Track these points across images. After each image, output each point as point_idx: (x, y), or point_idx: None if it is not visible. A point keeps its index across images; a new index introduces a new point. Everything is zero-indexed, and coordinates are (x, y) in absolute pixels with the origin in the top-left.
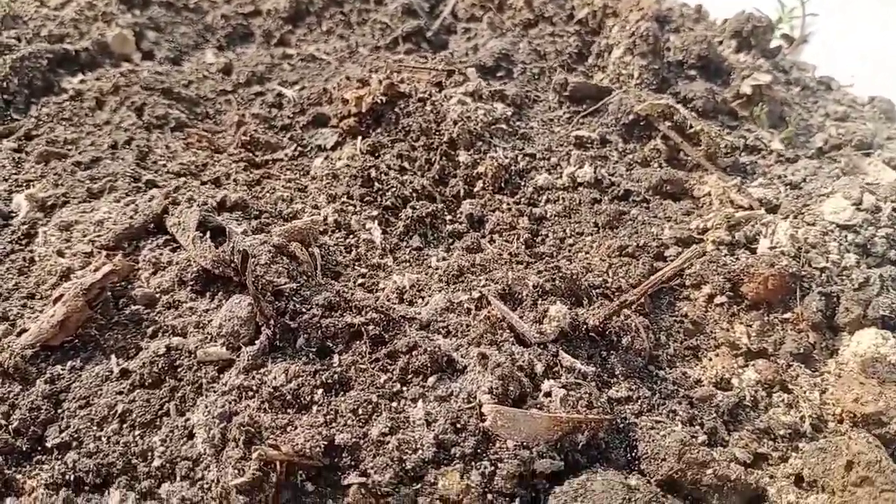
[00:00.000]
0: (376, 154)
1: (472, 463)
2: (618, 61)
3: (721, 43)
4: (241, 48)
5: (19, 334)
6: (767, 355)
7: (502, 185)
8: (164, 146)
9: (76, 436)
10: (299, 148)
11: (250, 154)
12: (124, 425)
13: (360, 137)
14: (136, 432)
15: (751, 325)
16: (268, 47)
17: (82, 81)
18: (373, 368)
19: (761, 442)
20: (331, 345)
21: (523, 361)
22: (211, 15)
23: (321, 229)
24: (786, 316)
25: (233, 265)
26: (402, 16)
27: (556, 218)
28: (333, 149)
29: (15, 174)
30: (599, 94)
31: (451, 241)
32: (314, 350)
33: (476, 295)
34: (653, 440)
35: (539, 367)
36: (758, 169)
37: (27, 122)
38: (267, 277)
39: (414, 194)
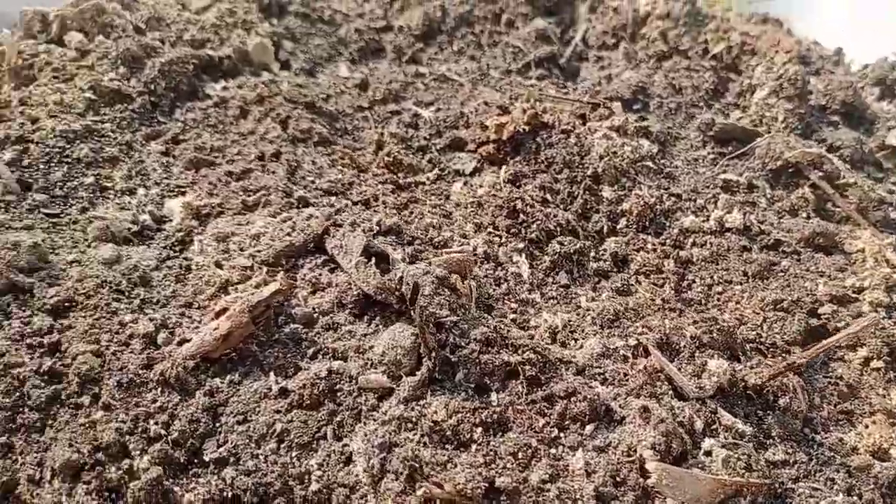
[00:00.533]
0: (518, 184)
1: None
2: (761, 102)
3: (863, 89)
4: (373, 63)
5: (180, 343)
6: None
7: (647, 223)
8: (310, 161)
9: (234, 452)
10: (438, 171)
11: (394, 175)
12: (282, 445)
13: (499, 165)
14: (294, 453)
15: None
16: (399, 64)
17: (225, 88)
18: (530, 411)
19: None
20: (488, 382)
21: (683, 417)
22: (344, 28)
23: (474, 271)
24: None
25: (397, 293)
26: (535, 41)
27: (704, 263)
28: (472, 174)
29: (166, 179)
30: (746, 137)
31: (596, 279)
32: (472, 386)
33: (633, 342)
34: None
35: (699, 424)
36: None
37: (174, 126)
38: (430, 309)
39: (558, 228)
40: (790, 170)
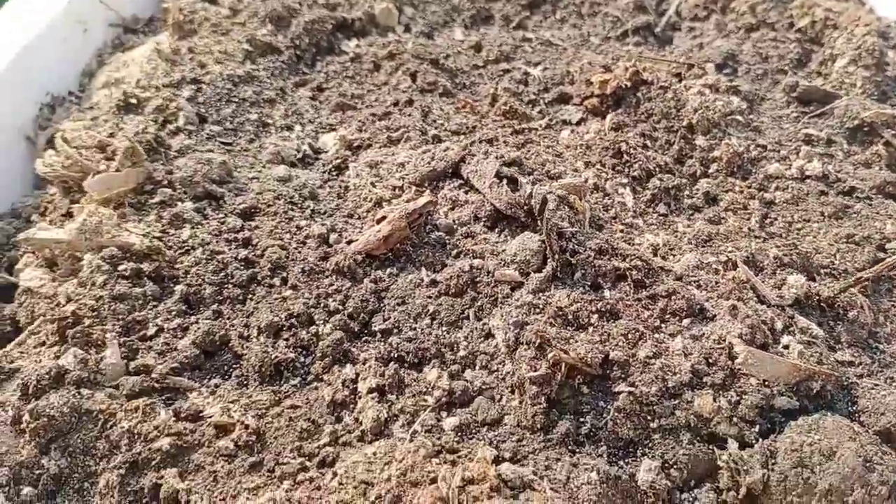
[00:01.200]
0: (620, 131)
1: (721, 391)
2: (841, 70)
3: None
4: (484, 28)
5: (348, 243)
6: None
7: (735, 169)
8: (438, 108)
9: (396, 325)
10: (548, 120)
11: (510, 122)
12: (434, 322)
13: (603, 117)
14: (444, 328)
15: None
16: (507, 30)
17: (358, 46)
18: (637, 305)
19: None
20: (601, 282)
21: (766, 318)
22: None
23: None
24: None
25: (525, 207)
26: (633, 11)
27: (785, 204)
28: (578, 124)
29: (318, 118)
30: (826, 99)
31: (690, 212)
32: (588, 283)
33: (723, 259)
34: (874, 397)
35: (779, 325)
36: None
37: (318, 77)
38: (553, 220)
39: (657, 168)
40: (865, 129)
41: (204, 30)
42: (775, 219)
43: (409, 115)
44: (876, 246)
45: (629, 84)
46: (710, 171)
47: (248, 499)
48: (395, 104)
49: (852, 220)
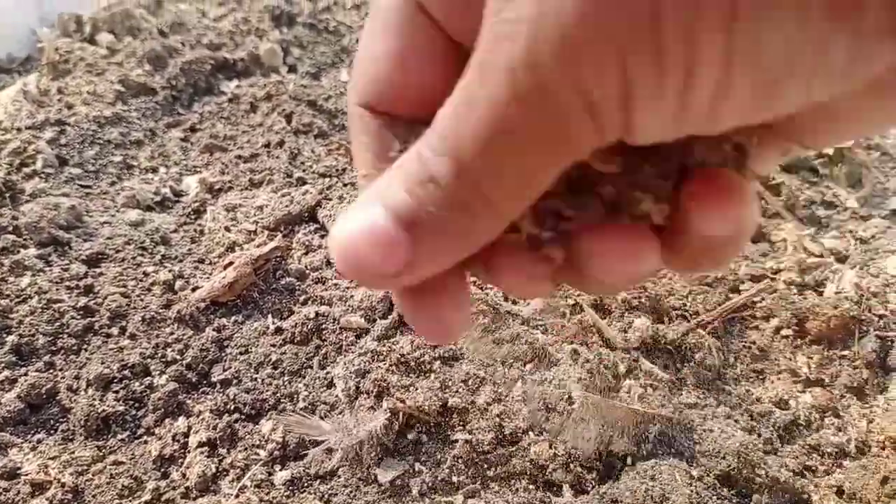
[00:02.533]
0: None
1: (559, 437)
2: None
3: None
4: None
5: (193, 290)
6: (824, 385)
7: None
8: (309, 150)
9: (237, 375)
10: None
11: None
12: (276, 371)
13: None
14: (286, 378)
15: (811, 358)
16: None
17: (238, 87)
18: (483, 350)
19: (810, 456)
20: None
21: (609, 361)
22: (347, 38)
23: None
24: (844, 353)
25: None
26: None
27: None
28: None
29: (184, 160)
30: None
31: None
32: None
33: (571, 302)
34: (715, 440)
35: (622, 368)
36: (832, 223)
37: (192, 117)
38: None
39: None
40: None
41: (78, 70)
42: None
43: (277, 157)
44: (729, 288)
45: None
46: None
47: None
48: (266, 146)
49: None
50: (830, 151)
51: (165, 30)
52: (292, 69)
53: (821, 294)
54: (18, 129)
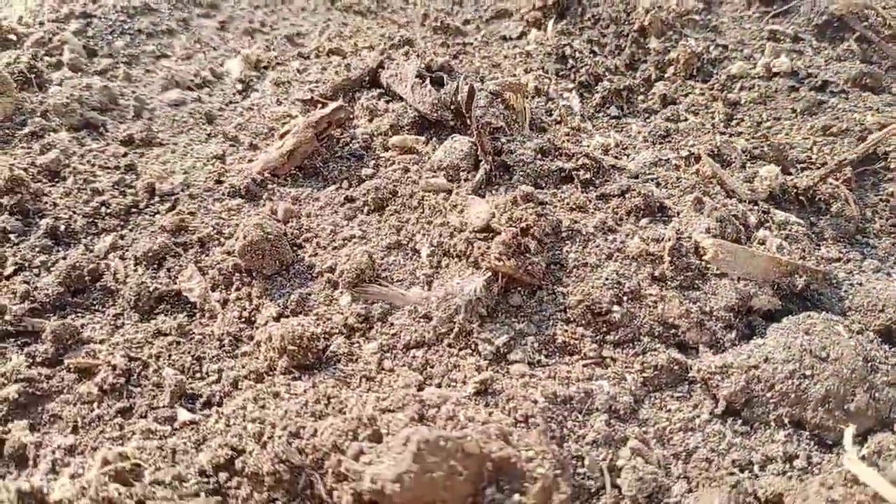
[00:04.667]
0: (567, 38)
1: (688, 292)
2: None
3: None
4: None
5: (249, 162)
6: None
7: (694, 72)
8: (359, 26)
9: (302, 245)
10: (485, 37)
11: (442, 37)
12: (349, 241)
13: (545, 28)
14: (361, 247)
15: None
16: None
17: None
18: (587, 206)
19: None
20: (542, 184)
21: (737, 211)
22: None
23: (527, 95)
24: None
25: (452, 107)
26: None
27: (752, 104)
28: (519, 38)
29: (223, 45)
30: None
31: (647, 115)
32: (529, 186)
33: (684, 154)
34: (869, 293)
35: (752, 219)
36: None
37: (226, 6)
38: (485, 119)
39: (607, 72)
40: (835, 24)
41: None
42: (742, 119)
43: (324, 33)
44: (857, 138)
45: None
46: (667, 74)
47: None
48: (313, 26)
49: (828, 114)
50: None
51: None
52: None
53: None
54: (41, 23)
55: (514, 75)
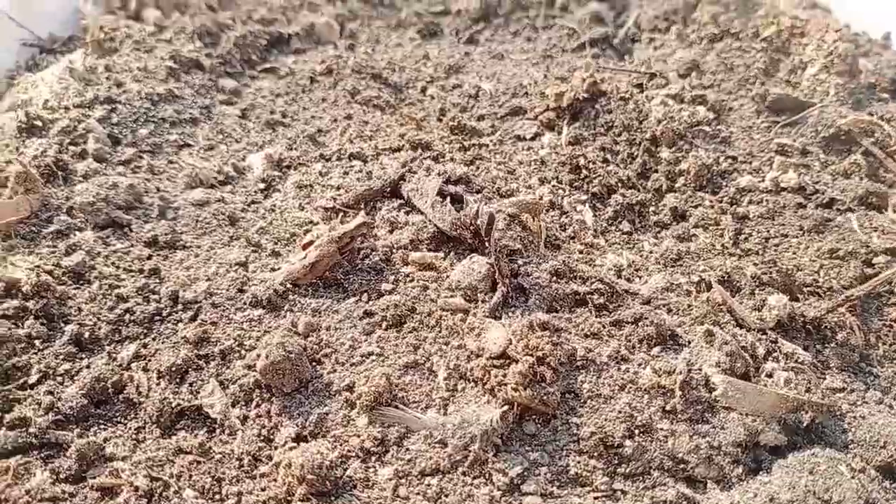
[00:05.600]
0: (578, 145)
1: (698, 426)
2: (813, 78)
3: None
4: (432, 43)
5: (272, 270)
6: None
7: (704, 183)
8: (378, 124)
9: (321, 362)
10: (499, 136)
11: (458, 138)
12: (367, 359)
13: (559, 131)
14: (378, 365)
15: None
16: (457, 44)
17: (294, 62)
18: (601, 333)
19: None
20: (557, 307)
21: (746, 343)
22: (405, 11)
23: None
24: None
25: (471, 228)
26: (590, 23)
27: (760, 219)
28: (532, 139)
29: (245, 137)
30: (799, 107)
31: (657, 230)
32: (544, 310)
33: (695, 279)
34: (872, 427)
35: (760, 350)
36: None
37: (248, 94)
38: (503, 242)
39: (619, 184)
40: (842, 137)
41: (126, 48)
42: (750, 234)
43: (346, 132)
44: (862, 261)
45: (587, 95)
46: (677, 185)
47: None
48: (333, 121)
49: (834, 233)
50: None
51: (214, 5)
52: (350, 47)
53: None
54: (66, 108)
55: (529, 187)
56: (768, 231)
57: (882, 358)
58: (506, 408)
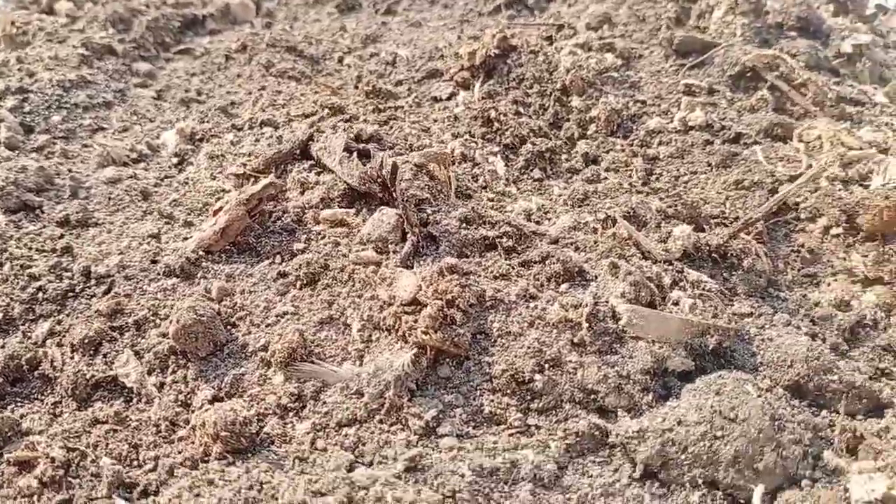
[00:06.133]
0: (492, 100)
1: (606, 357)
2: (720, 21)
3: (818, 7)
4: (350, 17)
5: (184, 240)
6: (884, 283)
7: (615, 128)
8: (292, 93)
9: (236, 325)
10: (416, 99)
11: (374, 102)
12: (283, 318)
13: (474, 87)
14: (293, 323)
15: (867, 255)
16: (375, 16)
17: (210, 42)
18: (510, 274)
19: (883, 358)
20: (468, 253)
21: (651, 273)
22: None
23: (452, 163)
24: None
25: (379, 180)
26: None
27: (670, 158)
28: (448, 99)
29: (159, 116)
30: (705, 48)
31: (569, 175)
32: (454, 256)
33: (602, 216)
34: (779, 348)
35: (666, 280)
36: (864, 118)
37: (162, 76)
38: (410, 191)
39: (531, 134)
40: (748, 74)
41: (38, 40)
42: (661, 175)
43: (259, 103)
44: (768, 190)
45: (498, 51)
46: (589, 132)
47: None
48: (248, 94)
49: (741, 166)
50: (849, 49)
51: None
52: (267, 25)
53: (867, 187)
54: None
55: (442, 142)
56: (678, 170)
57: (791, 283)
58: (417, 351)
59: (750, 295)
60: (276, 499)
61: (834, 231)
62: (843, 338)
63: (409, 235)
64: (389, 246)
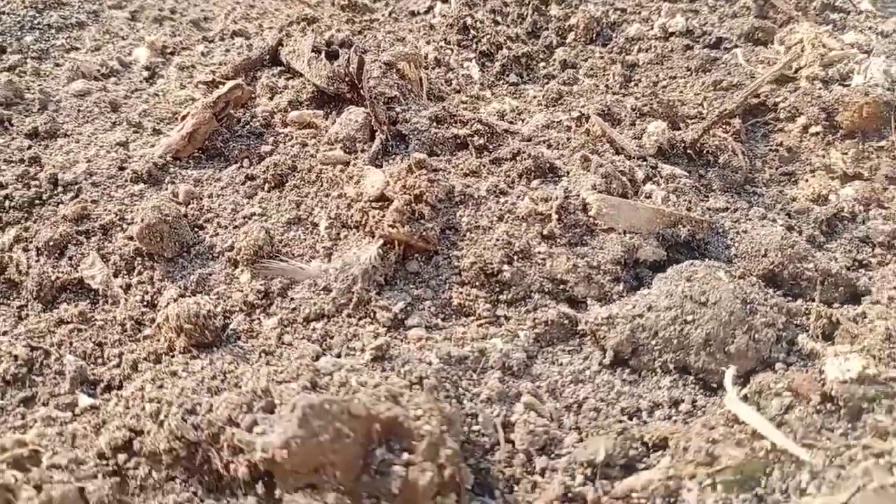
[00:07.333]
0: (469, 9)
1: (576, 248)
2: None
3: None
4: None
5: (152, 146)
6: (863, 178)
7: (594, 36)
8: (267, 8)
9: (203, 227)
10: (393, 14)
11: (349, 14)
12: (250, 219)
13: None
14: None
15: (846, 153)
16: None
17: None
18: (481, 171)
19: (861, 250)
20: (438, 152)
21: (624, 167)
22: None
23: (424, 65)
24: (881, 144)
25: (347, 79)
26: None
27: (649, 65)
28: (426, 13)
29: (132, 34)
30: None
31: (546, 81)
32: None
33: (575, 115)
34: (753, 239)
35: (640, 174)
36: (848, 23)
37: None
38: (379, 89)
39: (508, 41)
40: None
41: None
42: (639, 80)
43: (231, 15)
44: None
45: None
46: (568, 40)
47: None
48: (221, 9)
49: (720, 69)
50: None
51: None
52: None
53: (847, 86)
54: None
55: (416, 48)
56: (657, 75)
57: (768, 181)
58: (383, 244)
59: (725, 191)
60: (240, 387)
61: (813, 129)
62: (821, 230)
63: (377, 133)
64: (358, 145)
